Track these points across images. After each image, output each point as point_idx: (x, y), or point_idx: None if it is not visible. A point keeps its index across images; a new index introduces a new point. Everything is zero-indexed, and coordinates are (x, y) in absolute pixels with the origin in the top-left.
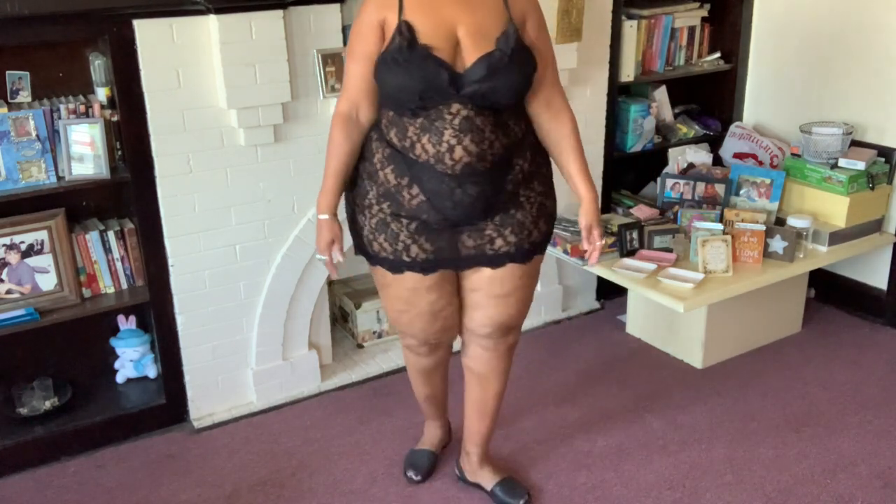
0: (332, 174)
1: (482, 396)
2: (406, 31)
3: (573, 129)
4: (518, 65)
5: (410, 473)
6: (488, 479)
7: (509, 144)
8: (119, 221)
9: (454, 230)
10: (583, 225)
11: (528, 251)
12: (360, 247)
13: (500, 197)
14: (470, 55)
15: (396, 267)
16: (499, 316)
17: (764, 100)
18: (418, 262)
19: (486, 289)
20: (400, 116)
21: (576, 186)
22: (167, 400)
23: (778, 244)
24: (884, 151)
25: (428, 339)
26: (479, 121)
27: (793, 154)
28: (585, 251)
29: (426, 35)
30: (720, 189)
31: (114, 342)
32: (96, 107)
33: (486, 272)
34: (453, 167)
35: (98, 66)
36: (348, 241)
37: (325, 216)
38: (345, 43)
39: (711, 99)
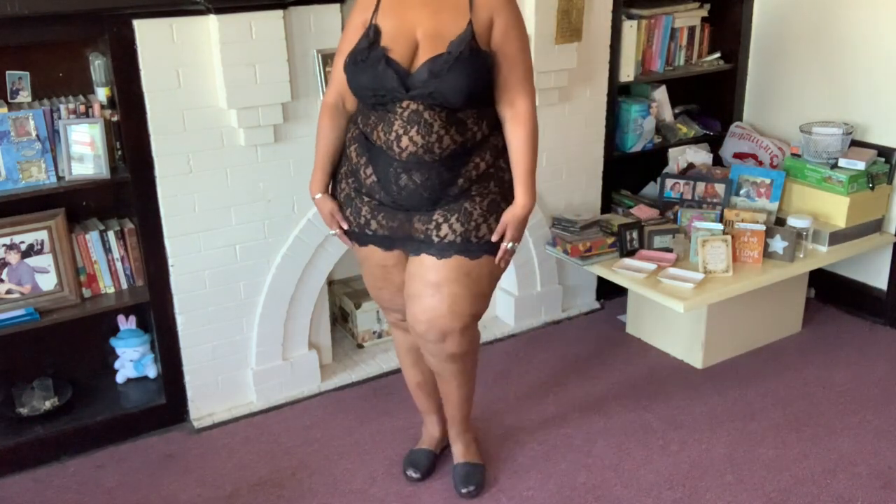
0: (321, 158)
1: (444, 390)
2: (371, 34)
3: (528, 135)
4: (465, 68)
5: (410, 472)
6: (457, 454)
7: (464, 142)
8: (119, 221)
9: (407, 214)
10: (501, 220)
11: (476, 246)
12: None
13: (451, 190)
14: (422, 57)
15: (361, 239)
16: (430, 310)
17: (764, 100)
18: (378, 236)
19: (420, 274)
20: (364, 106)
21: (515, 190)
22: (167, 400)
23: (778, 244)
24: (884, 151)
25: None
26: (427, 115)
27: (793, 154)
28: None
29: (389, 37)
30: (720, 189)
31: (114, 342)
32: (96, 107)
33: (428, 260)
34: (400, 154)
35: (98, 66)
36: None
37: (318, 195)
38: None
39: (711, 99)
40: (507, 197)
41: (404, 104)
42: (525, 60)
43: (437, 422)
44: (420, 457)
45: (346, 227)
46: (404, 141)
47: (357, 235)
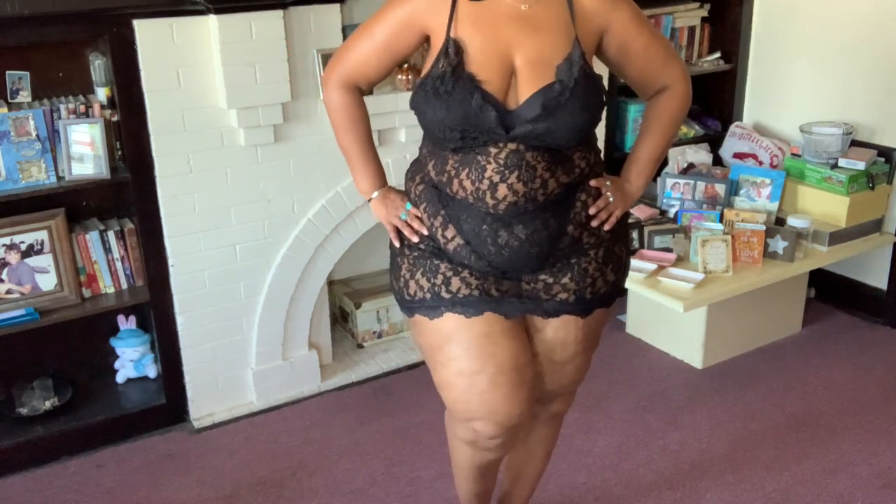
0: (360, 150)
1: (520, 461)
2: (453, 54)
3: (672, 115)
4: (582, 100)
5: None
6: None
7: (570, 182)
8: (119, 221)
9: (504, 274)
10: (607, 206)
11: (590, 303)
12: (397, 294)
13: (562, 241)
14: (525, 88)
15: (434, 307)
16: (552, 384)
17: (764, 100)
18: (459, 298)
19: (546, 354)
20: (441, 149)
21: (629, 170)
22: (167, 400)
23: (778, 244)
24: (884, 151)
25: (510, 418)
26: (529, 157)
27: (793, 154)
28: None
29: (476, 60)
30: (720, 189)
31: (114, 342)
32: (96, 107)
33: (545, 331)
34: (496, 206)
35: (98, 66)
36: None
37: (374, 195)
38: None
39: (711, 99)
40: (620, 238)
41: (500, 145)
42: (658, 39)
43: None
44: None
45: (424, 233)
46: (501, 190)
47: (427, 304)
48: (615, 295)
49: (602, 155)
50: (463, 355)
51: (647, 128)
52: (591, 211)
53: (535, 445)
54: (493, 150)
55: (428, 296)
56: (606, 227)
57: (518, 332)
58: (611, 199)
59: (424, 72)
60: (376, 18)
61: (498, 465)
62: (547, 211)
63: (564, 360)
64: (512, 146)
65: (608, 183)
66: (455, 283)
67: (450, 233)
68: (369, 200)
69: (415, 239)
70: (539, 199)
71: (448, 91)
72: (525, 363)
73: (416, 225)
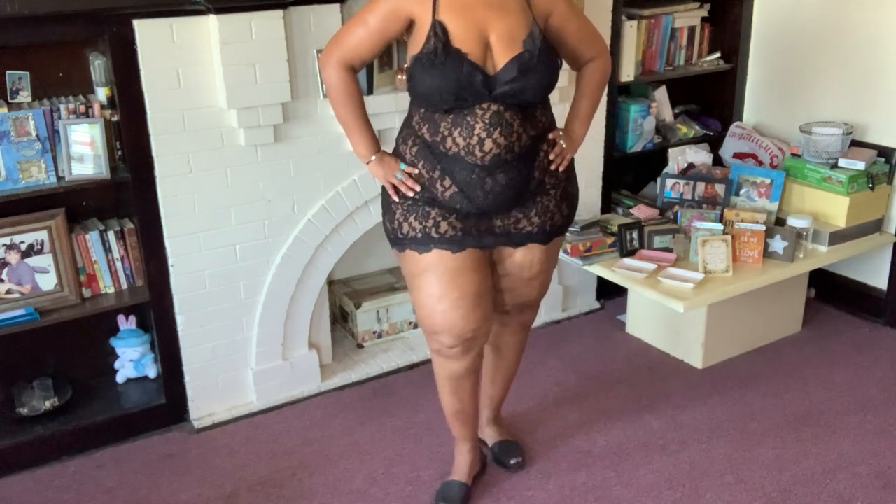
0: (356, 120)
1: (495, 364)
2: (440, 33)
3: (602, 76)
4: (545, 64)
5: None
6: (491, 437)
7: (536, 135)
8: (119, 221)
9: (484, 215)
10: (560, 151)
11: (549, 233)
12: (391, 234)
13: (529, 185)
14: (500, 57)
15: (424, 244)
16: (521, 297)
17: (764, 100)
18: (446, 238)
19: (516, 273)
20: (433, 113)
21: (572, 123)
22: (167, 400)
23: (778, 244)
24: (884, 151)
25: (464, 332)
26: (507, 115)
27: (793, 154)
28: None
29: (458, 37)
30: (720, 189)
31: (114, 342)
32: (96, 107)
33: (515, 256)
34: (483, 158)
35: (98, 66)
36: None
37: (372, 158)
38: None
39: (711, 99)
40: (571, 178)
41: (485, 105)
42: (587, 23)
43: (471, 449)
44: (454, 491)
45: (417, 189)
46: (487, 144)
47: (418, 242)
48: (567, 226)
49: (602, 155)
50: (435, 283)
51: (582, 90)
52: (552, 157)
53: (506, 350)
54: (479, 112)
55: (420, 235)
56: (562, 168)
57: (484, 266)
58: (563, 145)
59: (416, 50)
60: (369, 9)
61: (467, 382)
62: (521, 161)
63: (531, 276)
64: (494, 107)
65: (560, 133)
66: (444, 226)
67: (447, 182)
68: (367, 164)
69: (410, 194)
70: (516, 150)
71: (441, 62)
72: (484, 291)
73: (410, 182)
